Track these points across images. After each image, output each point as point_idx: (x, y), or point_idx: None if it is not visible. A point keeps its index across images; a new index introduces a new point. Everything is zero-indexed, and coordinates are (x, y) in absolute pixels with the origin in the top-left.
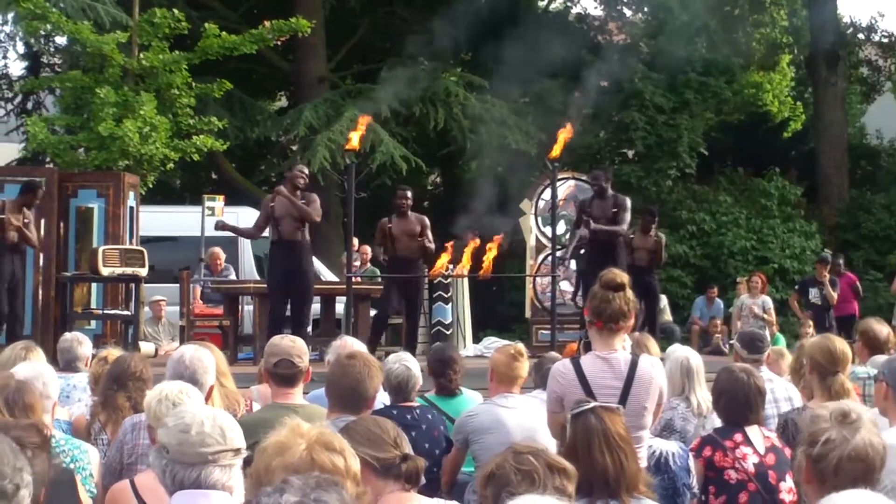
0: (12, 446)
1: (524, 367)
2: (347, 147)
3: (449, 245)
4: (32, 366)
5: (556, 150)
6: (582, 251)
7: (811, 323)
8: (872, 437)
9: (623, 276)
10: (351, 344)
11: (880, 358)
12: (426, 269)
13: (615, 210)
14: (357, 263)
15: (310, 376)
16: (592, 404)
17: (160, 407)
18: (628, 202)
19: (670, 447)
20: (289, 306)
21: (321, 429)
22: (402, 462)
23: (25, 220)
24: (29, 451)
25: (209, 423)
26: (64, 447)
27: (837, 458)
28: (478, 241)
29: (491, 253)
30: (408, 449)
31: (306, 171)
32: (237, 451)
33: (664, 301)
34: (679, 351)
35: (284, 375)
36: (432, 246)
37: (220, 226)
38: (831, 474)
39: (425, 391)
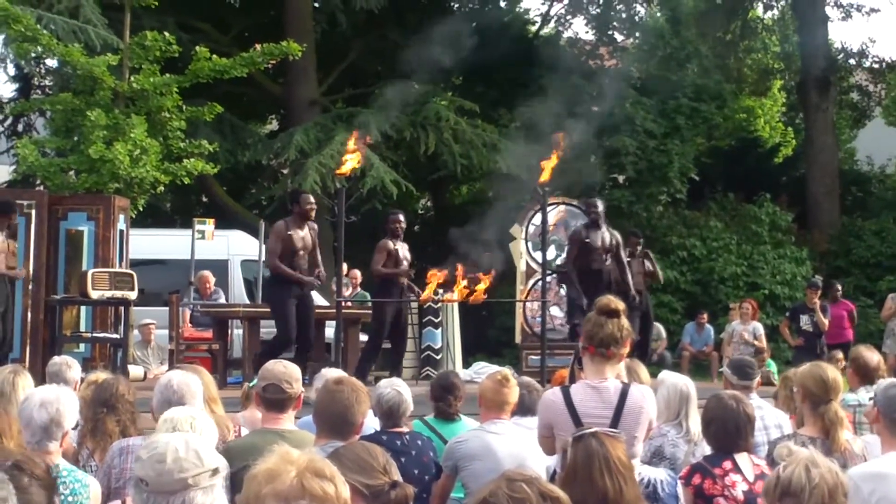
0: None
1: (512, 392)
2: (339, 172)
3: (441, 273)
4: (52, 389)
5: (545, 176)
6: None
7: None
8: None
9: (619, 303)
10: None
11: (884, 382)
12: (413, 294)
13: (616, 244)
14: (348, 290)
15: (301, 402)
16: (594, 428)
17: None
18: (620, 239)
19: (659, 474)
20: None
21: (311, 455)
22: (391, 489)
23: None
24: (28, 480)
25: (183, 449)
26: (66, 479)
27: None
28: (487, 274)
29: (483, 284)
30: (397, 475)
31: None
32: (215, 470)
33: (662, 331)
34: (675, 377)
35: (272, 400)
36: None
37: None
38: None
39: (424, 415)
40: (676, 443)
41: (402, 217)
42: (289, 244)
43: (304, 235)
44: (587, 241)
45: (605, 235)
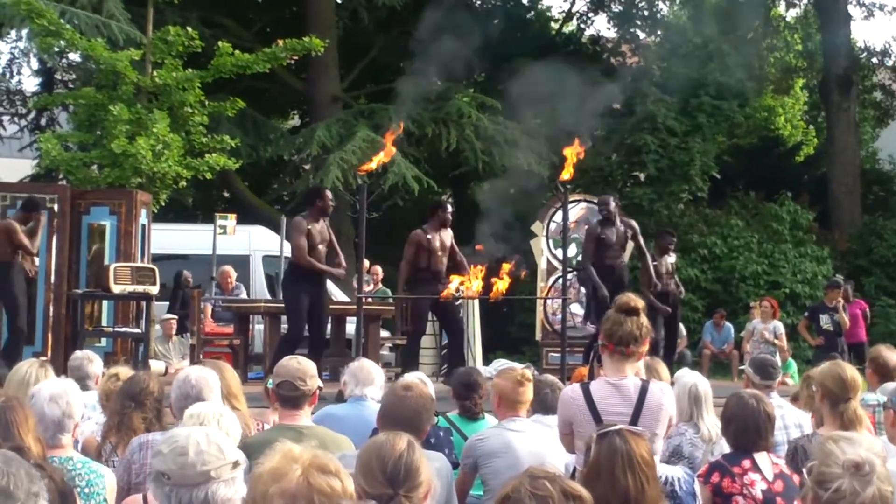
0: (29, 471)
1: (529, 391)
2: (361, 168)
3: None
4: (58, 383)
5: (567, 172)
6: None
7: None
8: (883, 488)
9: (638, 301)
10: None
11: (890, 385)
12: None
13: (631, 235)
14: (369, 286)
15: (317, 399)
16: (619, 426)
17: None
18: (636, 226)
19: (676, 473)
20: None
21: (314, 451)
22: (388, 501)
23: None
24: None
25: (205, 442)
26: (80, 471)
27: None
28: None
29: (503, 280)
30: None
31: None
32: (236, 463)
33: (682, 330)
34: (688, 377)
35: (286, 397)
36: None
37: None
38: None
39: (446, 411)
40: (695, 442)
41: (448, 206)
42: (309, 239)
43: (321, 229)
44: (602, 237)
45: (620, 229)
